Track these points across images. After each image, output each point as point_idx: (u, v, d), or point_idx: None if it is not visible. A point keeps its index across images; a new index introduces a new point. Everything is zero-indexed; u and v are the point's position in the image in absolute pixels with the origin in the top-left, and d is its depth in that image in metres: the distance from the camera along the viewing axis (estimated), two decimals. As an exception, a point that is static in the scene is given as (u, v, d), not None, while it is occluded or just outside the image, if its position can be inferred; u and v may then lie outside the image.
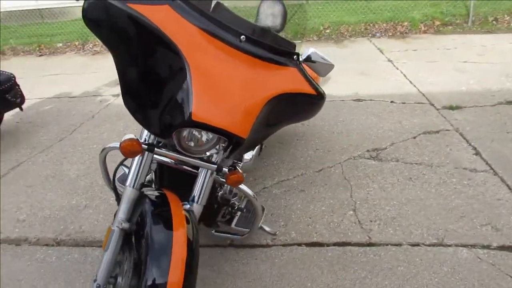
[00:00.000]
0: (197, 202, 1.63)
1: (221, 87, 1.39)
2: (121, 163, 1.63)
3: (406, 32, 6.61)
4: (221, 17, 1.45)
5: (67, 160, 3.26)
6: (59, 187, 2.88)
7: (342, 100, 4.07)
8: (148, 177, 1.91)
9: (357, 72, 4.90)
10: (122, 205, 1.51)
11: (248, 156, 2.34)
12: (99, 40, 1.67)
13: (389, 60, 5.27)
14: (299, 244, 2.18)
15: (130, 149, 1.42)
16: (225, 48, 1.41)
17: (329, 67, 1.86)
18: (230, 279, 1.97)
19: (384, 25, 6.84)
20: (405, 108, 3.76)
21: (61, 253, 2.24)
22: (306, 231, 2.27)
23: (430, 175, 2.69)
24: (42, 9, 7.84)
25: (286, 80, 1.56)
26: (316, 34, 6.91)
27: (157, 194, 1.56)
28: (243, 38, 1.44)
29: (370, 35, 6.73)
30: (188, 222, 1.50)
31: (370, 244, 2.14)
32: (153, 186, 1.93)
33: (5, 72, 3.46)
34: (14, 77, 3.47)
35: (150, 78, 1.44)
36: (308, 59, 1.80)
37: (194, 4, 1.42)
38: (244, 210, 2.16)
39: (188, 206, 1.61)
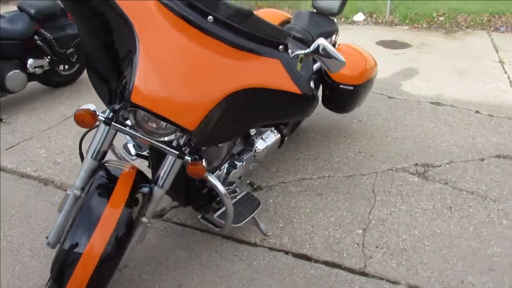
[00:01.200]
0: (159, 186, 1.56)
1: (172, 70, 1.26)
2: (86, 133, 1.63)
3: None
4: None
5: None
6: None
7: (418, 101, 3.58)
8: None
9: (453, 70, 4.26)
10: (80, 173, 1.53)
11: (261, 146, 2.18)
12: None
13: (500, 61, 4.47)
14: (286, 252, 2.01)
15: (81, 119, 1.40)
16: (186, 27, 1.28)
17: (339, 64, 1.60)
18: (201, 269, 1.91)
19: (514, 18, 5.79)
20: (489, 122, 3.17)
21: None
22: (301, 239, 2.07)
23: (477, 209, 2.24)
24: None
25: (261, 73, 1.38)
26: (426, 21, 6.15)
27: (115, 168, 1.54)
28: (211, 18, 1.28)
29: (492, 28, 5.76)
30: (134, 201, 1.46)
31: (362, 273, 1.88)
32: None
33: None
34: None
35: (105, 52, 1.38)
36: (315, 51, 1.57)
37: None
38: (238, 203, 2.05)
39: (147, 189, 1.56)
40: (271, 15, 2.72)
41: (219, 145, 1.84)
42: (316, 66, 2.50)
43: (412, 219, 2.18)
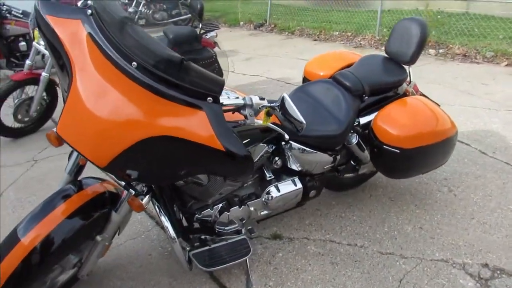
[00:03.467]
0: (115, 211, 1.67)
1: (92, 109, 1.34)
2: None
3: None
4: (127, 38, 1.36)
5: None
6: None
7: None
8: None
9: None
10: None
11: (272, 193, 2.07)
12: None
13: None
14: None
15: (49, 138, 1.57)
16: (111, 69, 1.35)
17: (297, 124, 1.43)
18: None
19: None
20: None
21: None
22: (278, 307, 1.86)
23: None
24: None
25: (181, 123, 1.34)
26: None
27: (86, 183, 1.71)
28: (134, 64, 1.32)
29: None
30: (86, 216, 1.60)
31: None
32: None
33: (210, 50, 4.13)
34: (215, 55, 4.11)
35: (61, 79, 1.53)
36: (282, 106, 1.45)
37: (109, 21, 1.40)
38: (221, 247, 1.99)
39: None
40: (339, 56, 2.51)
41: (206, 183, 1.80)
42: (364, 120, 2.20)
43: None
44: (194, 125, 1.34)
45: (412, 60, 2.21)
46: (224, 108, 1.55)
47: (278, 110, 1.51)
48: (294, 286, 1.97)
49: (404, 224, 2.37)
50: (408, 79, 2.33)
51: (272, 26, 8.98)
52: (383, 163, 2.16)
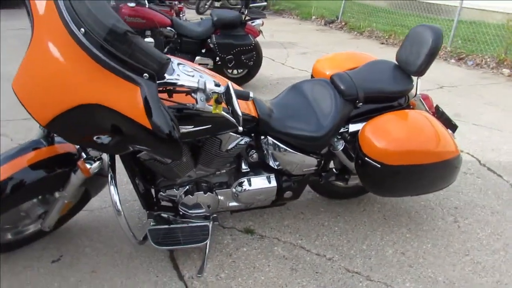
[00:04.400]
0: (74, 172, 1.76)
1: (44, 69, 1.40)
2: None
3: None
4: (81, 5, 1.38)
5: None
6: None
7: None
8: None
9: None
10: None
11: (241, 186, 2.05)
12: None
13: None
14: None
15: None
16: (65, 35, 1.39)
17: (236, 115, 1.40)
18: (120, 271, 1.99)
19: None
20: None
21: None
22: (219, 299, 1.84)
23: None
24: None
25: (115, 95, 1.36)
26: None
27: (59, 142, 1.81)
28: (82, 31, 1.35)
29: None
30: (49, 170, 1.73)
31: None
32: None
33: (251, 37, 4.12)
34: (253, 43, 4.09)
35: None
36: (226, 92, 1.42)
37: None
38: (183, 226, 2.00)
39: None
40: (352, 57, 2.36)
41: (168, 162, 1.81)
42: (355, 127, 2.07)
43: None
44: (127, 99, 1.34)
45: (419, 71, 2.01)
46: (177, 88, 1.54)
47: (223, 98, 1.46)
48: (244, 283, 1.93)
49: (387, 246, 2.19)
50: (414, 90, 2.13)
51: (343, 24, 8.70)
52: (365, 176, 2.01)
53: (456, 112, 4.08)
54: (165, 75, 1.52)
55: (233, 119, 1.50)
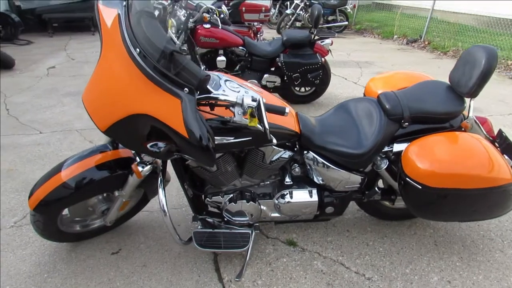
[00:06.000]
0: (131, 174, 1.99)
1: (106, 83, 1.64)
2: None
3: None
4: (138, 28, 1.60)
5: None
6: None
7: None
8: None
9: None
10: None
11: (282, 198, 2.14)
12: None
13: None
14: (227, 303, 1.95)
15: None
16: (124, 54, 1.62)
17: (264, 128, 1.52)
18: (164, 271, 2.18)
19: None
20: None
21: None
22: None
23: None
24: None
25: (161, 106, 1.55)
26: None
27: (122, 148, 2.08)
28: (138, 51, 1.57)
29: None
30: (110, 171, 1.99)
31: None
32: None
33: (319, 56, 4.20)
34: (320, 62, 4.16)
35: None
36: (257, 107, 1.56)
37: (133, 12, 1.66)
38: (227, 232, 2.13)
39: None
40: (406, 76, 2.33)
41: (214, 171, 1.96)
42: (400, 147, 2.05)
43: None
44: (170, 110, 1.52)
45: (471, 93, 1.94)
46: (219, 102, 1.69)
47: (255, 112, 1.58)
48: (275, 294, 1.99)
49: (432, 272, 2.11)
50: (466, 112, 2.05)
51: (426, 43, 8.38)
52: (407, 197, 1.97)
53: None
54: (211, 89, 1.69)
55: (263, 130, 1.61)
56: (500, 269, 2.12)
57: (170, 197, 2.74)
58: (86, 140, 3.69)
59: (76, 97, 4.90)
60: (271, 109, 1.65)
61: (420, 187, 1.85)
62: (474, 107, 2.06)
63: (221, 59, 4.34)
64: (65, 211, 2.11)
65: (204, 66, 4.39)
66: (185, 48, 4.61)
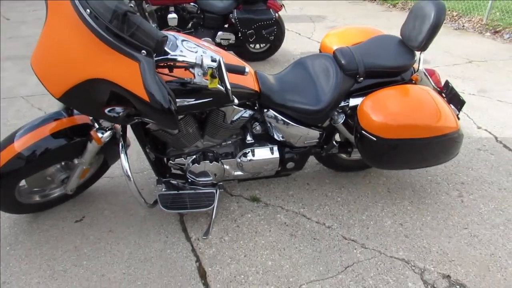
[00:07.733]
0: (90, 141, 1.94)
1: (56, 47, 1.56)
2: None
3: None
4: None
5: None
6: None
7: None
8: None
9: None
10: None
11: (245, 156, 2.17)
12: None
13: None
14: (197, 261, 2.01)
15: None
16: (74, 15, 1.53)
17: (226, 88, 1.51)
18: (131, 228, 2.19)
19: None
20: None
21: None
22: (220, 261, 2.00)
23: None
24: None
25: (118, 70, 1.50)
26: None
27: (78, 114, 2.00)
28: (88, 11, 1.49)
29: None
30: (68, 138, 1.93)
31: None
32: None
33: (272, 12, 4.15)
34: (274, 18, 4.12)
35: None
36: (218, 67, 1.53)
37: None
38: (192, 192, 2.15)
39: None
40: (361, 32, 2.38)
41: (175, 133, 1.95)
42: (356, 101, 2.12)
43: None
44: (128, 74, 1.47)
45: (421, 46, 2.02)
46: (177, 64, 1.66)
47: (216, 72, 1.57)
48: (246, 246, 2.08)
49: (386, 217, 2.27)
50: (416, 65, 2.14)
51: (376, -5, 8.44)
52: (363, 149, 2.08)
53: (481, 88, 3.99)
54: (168, 51, 1.65)
55: (224, 90, 1.61)
56: (446, 209, 2.32)
57: (131, 161, 2.71)
58: (34, 107, 3.51)
59: (18, 61, 4.58)
60: (231, 69, 1.65)
61: (375, 139, 1.95)
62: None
63: (172, 16, 4.17)
64: (23, 182, 2.04)
65: (156, 25, 4.21)
66: (132, 5, 4.38)
